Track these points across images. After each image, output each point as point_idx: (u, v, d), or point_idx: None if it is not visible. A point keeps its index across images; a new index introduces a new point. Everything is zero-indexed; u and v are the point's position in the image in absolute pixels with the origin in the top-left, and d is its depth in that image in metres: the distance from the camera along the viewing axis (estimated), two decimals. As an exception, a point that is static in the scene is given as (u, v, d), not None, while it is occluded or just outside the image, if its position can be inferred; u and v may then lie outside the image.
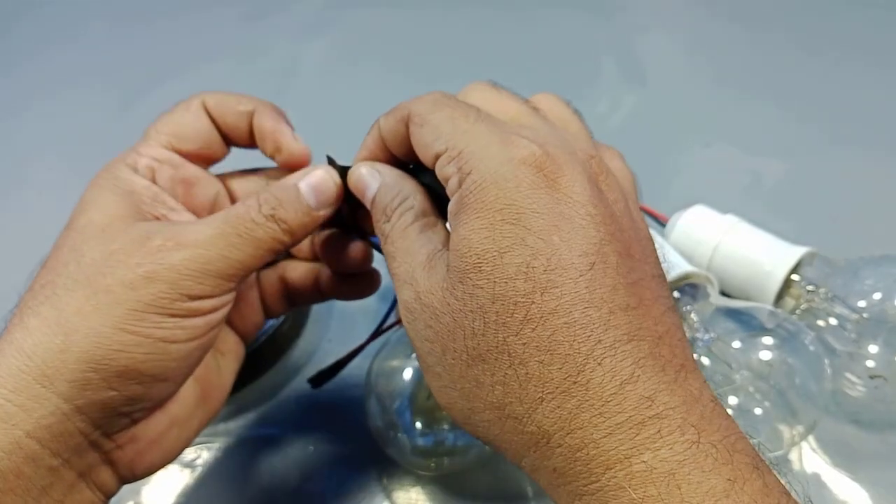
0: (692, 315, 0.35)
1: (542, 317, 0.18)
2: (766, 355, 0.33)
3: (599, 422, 0.17)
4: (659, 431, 0.17)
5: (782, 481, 0.18)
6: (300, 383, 0.38)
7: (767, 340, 0.33)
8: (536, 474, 0.19)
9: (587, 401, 0.18)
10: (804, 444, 0.34)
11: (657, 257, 0.21)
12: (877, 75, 0.59)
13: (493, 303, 0.19)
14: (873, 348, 0.34)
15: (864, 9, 0.67)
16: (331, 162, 0.27)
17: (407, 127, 0.23)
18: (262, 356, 0.39)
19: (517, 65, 0.63)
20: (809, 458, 0.34)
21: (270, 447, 0.36)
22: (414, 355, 0.33)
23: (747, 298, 0.38)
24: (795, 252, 0.37)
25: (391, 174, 0.25)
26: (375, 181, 0.25)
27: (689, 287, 0.37)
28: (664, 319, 0.19)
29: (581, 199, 0.19)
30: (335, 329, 0.42)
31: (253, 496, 0.34)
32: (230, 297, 0.25)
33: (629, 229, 0.20)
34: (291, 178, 0.26)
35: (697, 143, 0.53)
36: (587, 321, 0.18)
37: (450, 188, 0.21)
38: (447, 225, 0.22)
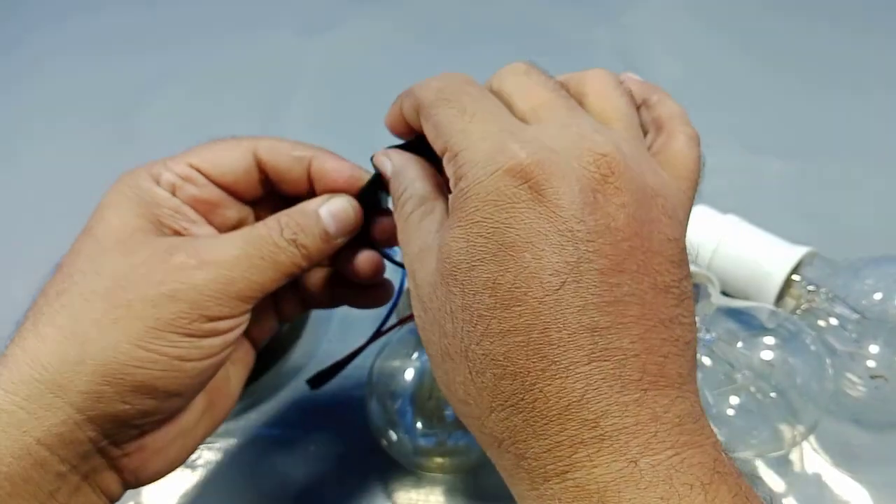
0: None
1: (500, 333, 0.19)
2: (767, 355, 0.33)
3: (541, 438, 0.18)
4: (598, 451, 0.18)
5: (752, 491, 0.18)
6: (300, 384, 0.38)
7: (768, 340, 0.33)
8: (497, 468, 0.20)
9: (532, 418, 0.18)
10: (805, 444, 0.34)
11: (675, 262, 0.20)
12: (877, 76, 0.59)
13: (462, 311, 0.19)
14: (874, 348, 0.34)
15: (864, 9, 0.67)
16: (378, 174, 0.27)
17: (417, 115, 0.24)
18: (262, 357, 0.38)
19: (516, 59, 0.63)
20: (810, 458, 0.34)
21: (271, 447, 0.36)
22: (415, 355, 0.33)
23: (748, 298, 0.38)
24: (796, 252, 0.37)
25: (399, 160, 0.25)
26: (388, 167, 0.25)
27: (689, 287, 0.37)
28: (647, 336, 0.19)
29: (565, 213, 0.19)
30: (335, 330, 0.42)
31: (253, 496, 0.34)
32: (247, 316, 0.25)
33: (632, 238, 0.19)
34: (312, 204, 0.26)
35: (697, 143, 0.53)
36: (545, 341, 0.18)
37: (451, 185, 0.21)
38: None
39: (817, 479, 0.33)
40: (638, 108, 0.26)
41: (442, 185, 0.24)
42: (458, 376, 0.20)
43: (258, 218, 0.29)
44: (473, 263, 0.19)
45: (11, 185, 0.55)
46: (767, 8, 0.69)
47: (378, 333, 0.35)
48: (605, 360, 0.18)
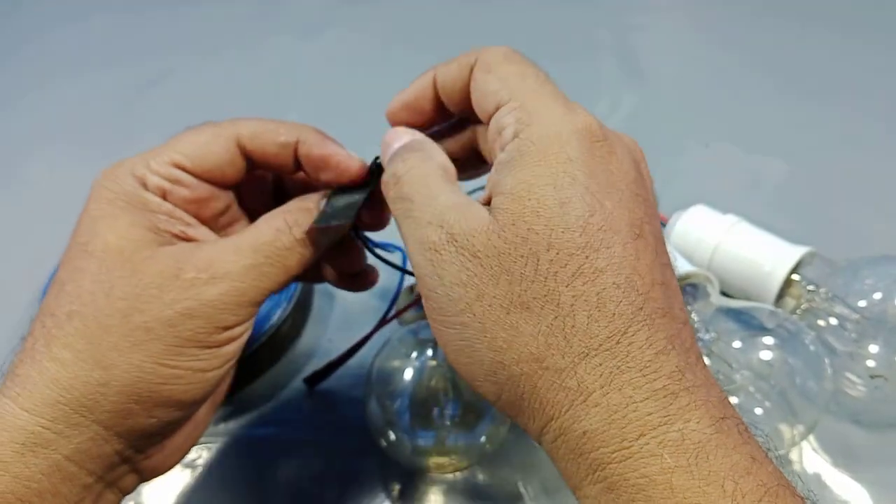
0: (692, 315, 0.35)
1: (594, 272, 0.18)
2: (766, 355, 0.33)
3: (641, 384, 0.18)
4: (690, 403, 0.17)
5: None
6: (300, 383, 0.38)
7: (768, 340, 0.33)
8: (560, 440, 0.19)
9: (629, 362, 0.18)
10: (805, 444, 0.34)
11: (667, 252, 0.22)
12: (879, 75, 0.59)
13: (548, 250, 0.19)
14: (873, 348, 0.34)
15: (866, 9, 0.67)
16: (377, 165, 0.26)
17: (469, 74, 0.23)
18: (262, 356, 0.39)
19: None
20: (810, 458, 0.33)
21: (270, 447, 0.36)
22: (414, 355, 0.33)
23: (747, 298, 0.38)
24: (795, 252, 0.37)
25: (423, 136, 0.25)
26: (408, 136, 0.25)
27: (689, 287, 0.37)
28: (685, 308, 0.20)
29: (629, 177, 0.20)
30: (335, 329, 0.42)
31: (253, 496, 0.34)
32: (255, 315, 0.25)
33: (657, 217, 0.21)
34: (311, 200, 0.26)
35: (697, 143, 0.53)
36: (632, 287, 0.18)
37: (503, 138, 0.21)
38: (490, 173, 0.22)
39: (817, 479, 0.33)
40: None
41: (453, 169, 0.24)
42: (537, 325, 0.18)
43: (239, 198, 0.28)
44: (563, 201, 0.19)
45: (10, 191, 0.56)
46: (767, 9, 0.69)
47: (373, 331, 0.35)
48: (673, 319, 0.19)
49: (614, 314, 0.18)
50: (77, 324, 0.22)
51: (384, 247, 0.30)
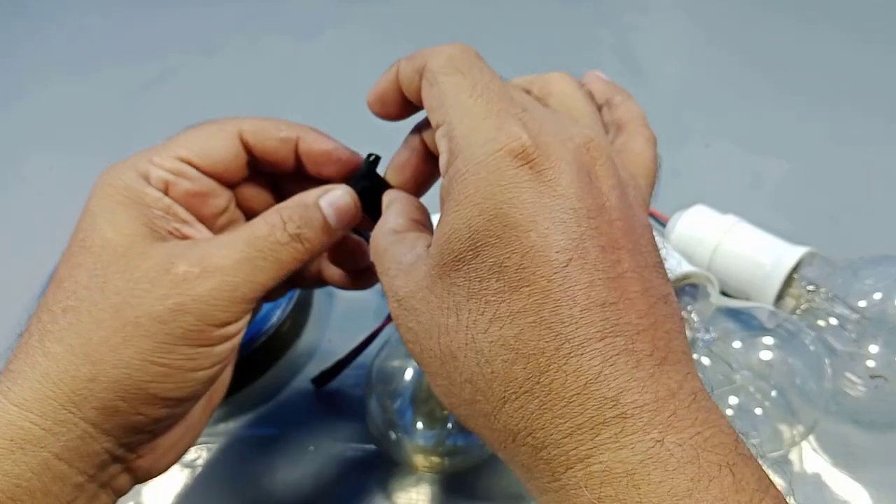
0: (693, 315, 0.35)
1: (509, 315, 0.18)
2: (766, 355, 0.33)
3: (560, 423, 0.17)
4: (622, 431, 0.17)
5: (770, 476, 0.18)
6: (300, 383, 0.38)
7: (768, 340, 0.33)
8: (510, 466, 0.20)
9: (549, 402, 0.18)
10: (804, 444, 0.34)
11: (654, 245, 0.21)
12: (878, 75, 0.59)
13: (468, 300, 0.19)
14: (873, 348, 0.34)
15: (865, 9, 0.67)
16: (369, 163, 0.27)
17: (420, 79, 0.23)
18: (262, 356, 0.39)
19: (517, 62, 0.63)
20: (810, 458, 0.33)
21: (270, 447, 0.36)
22: (414, 355, 0.33)
23: (747, 298, 0.38)
24: (795, 252, 0.37)
25: (388, 196, 0.26)
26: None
27: (689, 287, 0.37)
28: (652, 311, 0.19)
29: (566, 191, 0.19)
30: (335, 329, 0.42)
31: (253, 496, 0.34)
32: (249, 315, 0.25)
33: (622, 219, 0.20)
34: (311, 196, 0.26)
35: (697, 143, 0.53)
36: (556, 320, 0.18)
37: (441, 165, 0.21)
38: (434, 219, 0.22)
39: (817, 478, 0.33)
40: (601, 107, 0.27)
41: (422, 222, 0.24)
42: (462, 374, 0.19)
43: (239, 200, 0.29)
44: (478, 248, 0.19)
45: (10, 191, 0.56)
46: (767, 9, 0.69)
47: (382, 326, 0.35)
48: (618, 336, 0.18)
49: (532, 354, 0.18)
50: (71, 318, 0.22)
51: None
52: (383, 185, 0.27)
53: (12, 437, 0.21)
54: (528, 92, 0.25)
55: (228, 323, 0.23)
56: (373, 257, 0.24)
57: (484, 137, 0.20)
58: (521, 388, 0.18)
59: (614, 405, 0.17)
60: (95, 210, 0.24)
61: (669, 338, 0.19)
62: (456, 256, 0.19)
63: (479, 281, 0.19)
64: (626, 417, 0.17)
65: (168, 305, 0.22)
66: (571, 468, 0.17)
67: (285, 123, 0.27)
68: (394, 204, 0.25)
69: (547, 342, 0.18)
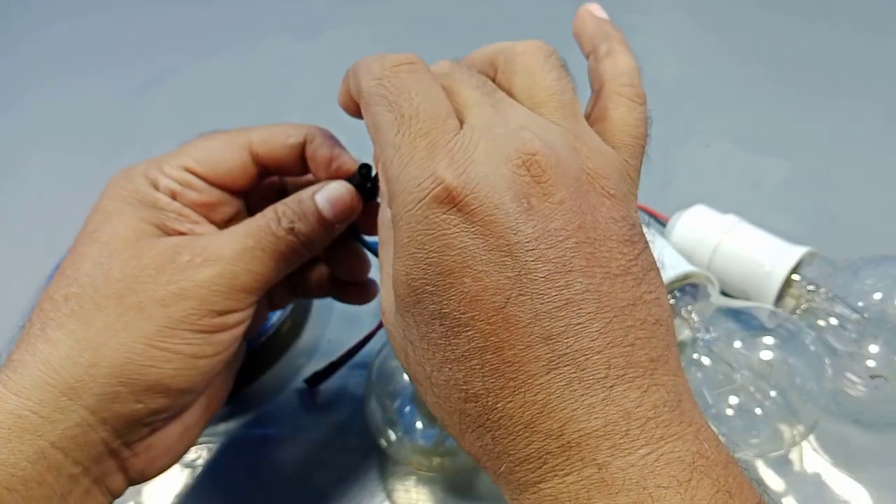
0: (693, 315, 0.35)
1: (457, 359, 0.18)
2: (766, 355, 0.33)
3: (510, 455, 0.18)
4: (566, 460, 0.17)
5: (741, 482, 0.17)
6: (300, 384, 0.38)
7: (768, 340, 0.33)
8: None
9: (499, 436, 0.18)
10: (805, 444, 0.34)
11: (626, 240, 0.19)
12: (878, 75, 0.59)
13: (420, 340, 0.19)
14: (874, 348, 0.34)
15: (865, 9, 0.67)
16: (361, 175, 0.27)
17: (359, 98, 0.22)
18: (262, 356, 0.39)
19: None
20: (810, 458, 0.33)
21: (270, 447, 0.36)
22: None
23: (748, 298, 0.38)
24: (795, 252, 0.37)
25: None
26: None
27: (689, 287, 0.37)
28: (609, 329, 0.18)
29: (499, 228, 0.18)
30: (335, 329, 0.42)
31: (253, 496, 0.34)
32: (252, 309, 0.25)
33: (577, 232, 0.18)
34: (308, 191, 0.26)
35: (697, 143, 0.53)
36: (498, 361, 0.18)
37: (382, 202, 0.22)
38: None
39: (817, 478, 0.33)
40: (588, 56, 0.25)
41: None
42: (427, 398, 0.20)
43: (249, 206, 0.29)
44: (419, 296, 0.19)
45: (9, 192, 0.55)
46: (767, 9, 0.69)
47: (375, 331, 0.35)
48: (566, 366, 0.17)
49: (479, 394, 0.18)
50: (73, 305, 0.22)
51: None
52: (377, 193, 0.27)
53: (10, 426, 0.21)
54: (493, 71, 0.23)
55: (229, 311, 0.24)
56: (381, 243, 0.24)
57: (410, 183, 0.19)
58: (474, 422, 0.19)
59: (559, 437, 0.17)
60: (108, 208, 0.25)
61: (631, 351, 0.18)
62: (402, 300, 0.20)
63: (426, 325, 0.19)
64: (570, 447, 0.17)
65: (171, 290, 0.23)
66: (524, 492, 0.18)
67: (293, 127, 0.28)
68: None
69: (491, 383, 0.18)
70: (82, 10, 0.77)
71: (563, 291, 0.18)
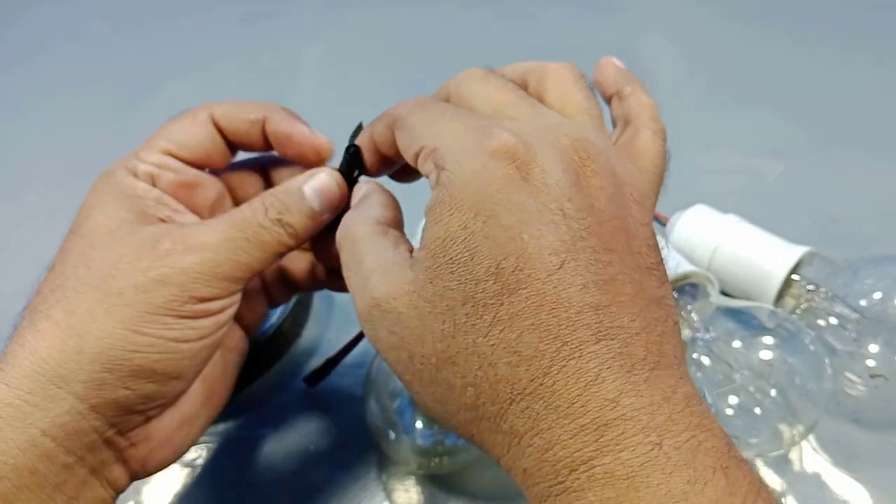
0: (693, 315, 0.35)
1: (509, 318, 0.18)
2: (766, 355, 0.33)
3: (565, 423, 0.17)
4: (622, 433, 0.17)
5: (762, 479, 0.18)
6: (300, 383, 0.38)
7: (768, 340, 0.33)
8: (511, 474, 0.19)
9: (553, 402, 0.18)
10: (804, 444, 0.34)
11: (651, 246, 0.20)
12: (877, 75, 0.59)
13: (464, 305, 0.19)
14: (873, 348, 0.34)
15: (865, 9, 0.67)
16: (351, 154, 0.27)
17: (392, 132, 0.24)
18: (262, 356, 0.39)
19: (517, 65, 0.63)
20: (810, 458, 0.33)
21: (270, 447, 0.36)
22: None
23: (747, 298, 0.38)
24: (795, 252, 0.37)
25: (367, 187, 0.25)
26: (360, 193, 0.25)
27: (689, 287, 0.37)
28: (644, 315, 0.19)
29: (554, 192, 0.19)
30: (335, 328, 0.42)
31: (253, 496, 0.34)
32: (238, 296, 0.25)
33: (614, 219, 0.19)
34: (296, 182, 0.26)
35: (697, 144, 0.53)
36: (553, 322, 0.18)
37: (430, 184, 0.21)
38: (419, 228, 0.22)
39: (817, 478, 0.33)
40: (610, 98, 0.26)
41: (401, 223, 0.24)
42: (464, 378, 0.19)
43: (231, 192, 0.29)
44: (472, 251, 0.19)
45: (9, 193, 0.56)
46: (767, 11, 0.69)
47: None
48: (612, 339, 0.18)
49: (533, 356, 0.18)
50: (58, 295, 0.23)
51: None
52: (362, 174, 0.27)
53: (0, 414, 0.21)
54: (525, 84, 0.25)
55: (212, 298, 0.24)
56: (341, 242, 0.23)
57: (469, 144, 0.20)
58: (525, 389, 0.18)
59: (615, 406, 0.17)
60: (91, 202, 0.25)
61: (661, 342, 0.19)
62: (451, 259, 0.19)
63: (476, 283, 0.19)
64: (626, 419, 0.17)
65: (150, 276, 0.23)
66: (575, 470, 0.17)
67: (254, 104, 0.28)
68: (377, 194, 0.25)
69: (546, 344, 0.18)
70: (82, 15, 0.77)
71: (608, 268, 0.19)
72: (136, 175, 0.26)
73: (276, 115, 0.28)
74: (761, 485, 0.17)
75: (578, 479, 0.17)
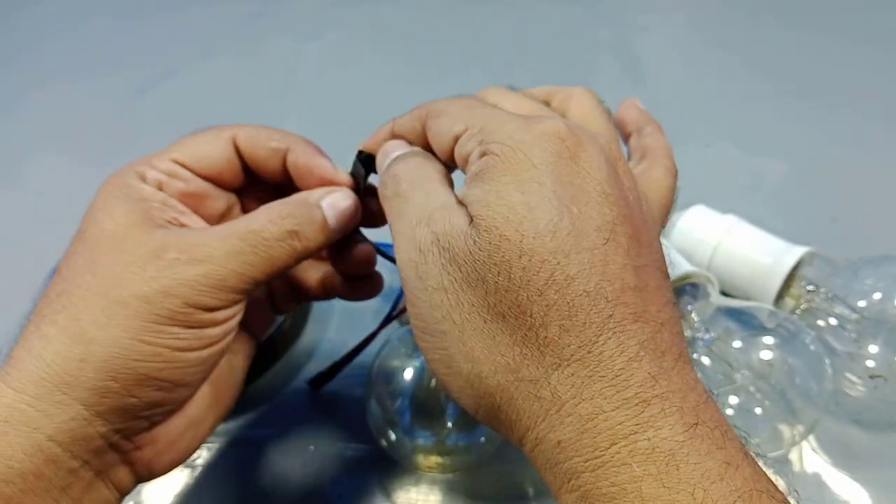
0: (693, 315, 0.35)
1: (565, 280, 0.18)
2: (766, 355, 0.33)
3: (610, 393, 0.18)
4: (662, 411, 0.17)
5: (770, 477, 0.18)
6: (300, 383, 0.38)
7: (768, 340, 0.33)
8: (537, 450, 0.19)
9: (599, 371, 0.18)
10: (804, 444, 0.34)
11: (662, 253, 0.21)
12: (878, 75, 0.59)
13: (520, 257, 0.19)
14: (873, 348, 0.34)
15: (865, 9, 0.67)
16: (361, 158, 0.27)
17: (423, 124, 0.24)
18: (262, 356, 0.39)
19: (517, 63, 0.63)
20: (809, 458, 0.34)
21: (270, 447, 0.36)
22: (415, 355, 0.33)
23: (747, 298, 0.38)
24: (795, 252, 0.37)
25: (419, 148, 0.26)
26: (406, 147, 0.26)
27: (689, 287, 0.37)
28: (665, 309, 0.19)
29: (598, 176, 0.20)
30: (335, 329, 0.42)
31: (253, 496, 0.34)
32: (242, 305, 0.25)
33: (639, 217, 0.21)
34: (313, 196, 0.26)
35: (697, 143, 0.53)
36: (602, 294, 0.18)
37: (470, 161, 0.21)
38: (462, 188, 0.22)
39: (817, 478, 0.33)
40: (629, 135, 0.28)
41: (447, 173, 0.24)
42: (512, 336, 0.19)
43: (243, 205, 0.29)
44: (532, 206, 0.19)
45: (8, 194, 0.56)
46: (767, 9, 0.69)
47: (379, 329, 0.35)
48: (647, 323, 0.18)
49: (585, 323, 0.18)
50: (64, 301, 0.23)
51: (384, 247, 0.30)
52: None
53: (6, 419, 0.21)
54: (547, 103, 0.26)
55: (217, 309, 0.24)
56: (401, 175, 0.24)
57: (519, 126, 0.21)
58: (573, 356, 0.18)
59: (654, 384, 0.18)
60: (97, 205, 0.25)
61: (681, 338, 0.19)
62: (509, 210, 0.19)
63: (534, 237, 0.19)
64: (664, 398, 0.17)
65: (154, 287, 0.23)
66: (617, 443, 0.17)
67: (280, 133, 0.28)
68: (426, 153, 0.25)
69: (595, 314, 0.18)
70: (82, 14, 0.77)
71: (639, 257, 0.19)
72: (143, 179, 0.26)
73: (299, 146, 0.27)
74: (769, 481, 0.18)
75: (619, 452, 0.17)
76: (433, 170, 0.24)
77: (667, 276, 0.21)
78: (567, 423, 0.18)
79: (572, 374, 0.18)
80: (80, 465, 0.22)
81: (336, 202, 0.26)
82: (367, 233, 0.30)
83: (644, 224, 0.21)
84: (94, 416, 0.22)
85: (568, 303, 0.18)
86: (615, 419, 0.17)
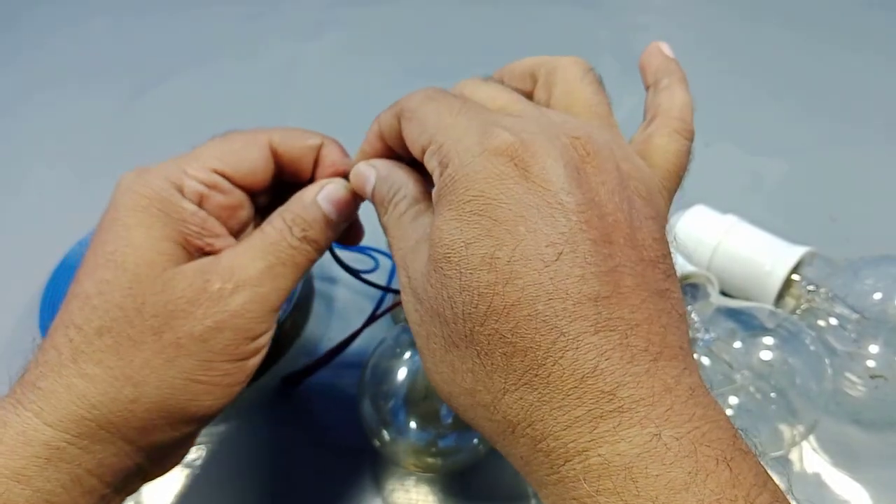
0: (693, 315, 0.35)
1: (504, 308, 0.18)
2: (766, 355, 0.33)
3: (559, 415, 0.17)
4: (619, 424, 0.17)
5: (768, 472, 0.18)
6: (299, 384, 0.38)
7: (768, 340, 0.33)
8: (509, 459, 0.19)
9: (547, 394, 0.18)
10: (805, 444, 0.34)
11: (657, 239, 0.20)
12: (878, 75, 0.59)
13: (461, 293, 0.19)
14: (873, 348, 0.34)
15: (866, 9, 0.67)
16: None
17: (400, 122, 0.24)
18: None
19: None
20: (810, 458, 0.33)
21: (270, 447, 0.36)
22: (408, 355, 0.33)
23: (747, 298, 0.38)
24: (795, 252, 0.37)
25: (385, 167, 0.25)
26: (372, 175, 0.25)
27: (689, 287, 0.37)
28: (645, 306, 0.19)
29: (553, 186, 0.19)
30: (335, 329, 0.41)
31: (252, 496, 0.34)
32: (275, 325, 0.25)
33: (616, 212, 0.20)
34: (308, 194, 0.26)
35: (697, 143, 0.53)
36: (550, 313, 0.18)
37: (434, 180, 0.21)
38: None
39: (817, 478, 0.33)
40: (648, 87, 0.27)
41: (428, 190, 0.24)
42: (464, 364, 0.19)
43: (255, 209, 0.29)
44: (468, 241, 0.19)
45: (9, 194, 0.56)
46: (767, 9, 0.69)
47: (360, 330, 0.35)
48: (611, 331, 0.18)
49: (529, 348, 0.18)
50: (108, 340, 0.22)
51: (366, 251, 0.30)
52: None
53: (47, 457, 0.21)
54: (534, 78, 0.25)
55: (261, 334, 0.24)
56: (387, 233, 0.24)
57: (471, 144, 0.20)
58: (520, 380, 0.18)
59: (611, 399, 0.17)
60: (129, 221, 0.24)
61: (665, 333, 0.19)
62: (448, 249, 0.19)
63: (471, 273, 0.19)
64: (623, 411, 0.17)
65: (207, 325, 0.23)
66: (569, 461, 0.17)
67: (309, 133, 0.28)
68: (398, 169, 0.25)
69: (543, 335, 0.18)
70: (82, 16, 0.77)
71: (608, 260, 0.19)
72: (182, 191, 0.25)
73: (331, 143, 0.28)
74: (767, 478, 0.17)
75: (574, 469, 0.17)
76: (405, 205, 0.23)
77: (658, 266, 0.20)
78: (522, 444, 0.18)
79: (520, 399, 0.18)
80: (111, 491, 0.23)
81: (330, 194, 0.26)
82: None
83: (623, 218, 0.20)
84: (135, 451, 0.22)
85: (510, 330, 0.18)
86: (565, 438, 0.17)
